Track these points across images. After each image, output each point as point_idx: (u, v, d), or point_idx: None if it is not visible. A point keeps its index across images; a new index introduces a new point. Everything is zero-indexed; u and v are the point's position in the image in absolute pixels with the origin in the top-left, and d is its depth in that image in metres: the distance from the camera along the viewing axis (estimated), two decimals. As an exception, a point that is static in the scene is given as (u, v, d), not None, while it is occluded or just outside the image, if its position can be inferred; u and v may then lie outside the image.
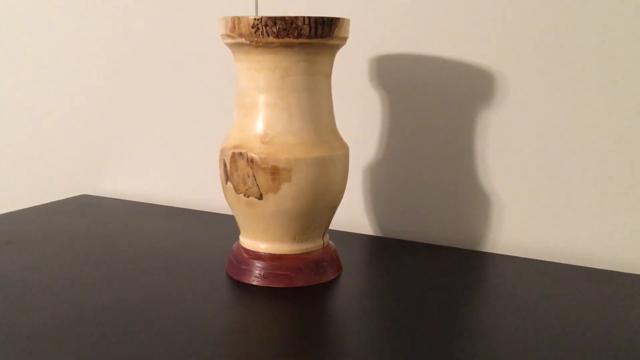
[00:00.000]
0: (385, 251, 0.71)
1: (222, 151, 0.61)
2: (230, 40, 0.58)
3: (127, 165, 0.95)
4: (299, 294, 0.59)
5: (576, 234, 0.70)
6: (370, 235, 0.78)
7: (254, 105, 0.59)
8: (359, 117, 0.78)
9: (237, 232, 0.77)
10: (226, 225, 0.81)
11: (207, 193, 0.90)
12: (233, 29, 0.57)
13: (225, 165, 0.60)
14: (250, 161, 0.58)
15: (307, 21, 0.56)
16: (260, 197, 0.59)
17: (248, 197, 0.59)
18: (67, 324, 0.52)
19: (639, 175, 0.66)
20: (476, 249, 0.74)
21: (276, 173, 0.58)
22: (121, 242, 0.74)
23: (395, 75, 0.75)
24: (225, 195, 0.62)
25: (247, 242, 0.63)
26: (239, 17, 0.56)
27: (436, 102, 0.74)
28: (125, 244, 0.73)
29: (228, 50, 0.84)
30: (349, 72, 0.77)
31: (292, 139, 0.58)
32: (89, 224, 0.81)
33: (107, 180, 0.98)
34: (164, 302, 0.57)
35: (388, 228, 0.79)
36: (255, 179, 0.58)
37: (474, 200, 0.74)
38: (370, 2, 0.75)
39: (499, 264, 0.68)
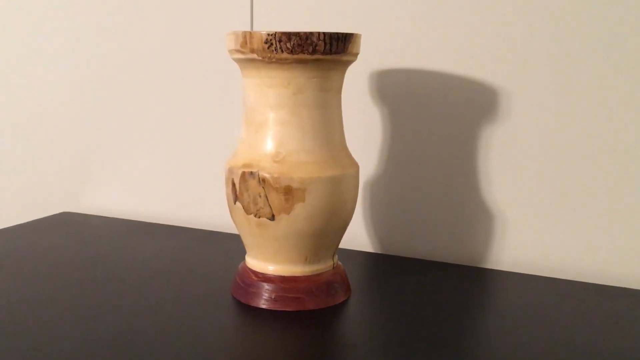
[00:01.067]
0: (388, 269, 0.70)
1: (230, 170, 0.58)
2: (240, 56, 0.56)
3: (111, 180, 0.92)
4: (310, 317, 0.57)
5: (580, 251, 0.70)
6: (371, 253, 0.76)
7: (264, 122, 0.57)
8: (360, 132, 0.76)
9: (236, 251, 0.75)
10: (223, 243, 0.78)
11: (199, 210, 0.87)
12: (244, 44, 0.55)
13: (233, 184, 0.58)
14: (262, 181, 0.56)
15: (322, 37, 0.54)
16: (272, 218, 0.57)
17: (259, 217, 0.57)
18: (64, 356, 0.49)
19: (644, 191, 0.67)
20: (479, 266, 0.74)
21: (289, 193, 0.56)
22: (114, 264, 0.70)
23: (397, 90, 0.74)
24: (232, 216, 0.60)
25: (255, 263, 0.61)
26: (250, 32, 0.54)
27: (439, 117, 0.73)
28: (119, 266, 0.70)
29: (222, 59, 0.82)
30: (351, 86, 0.75)
31: (306, 157, 0.56)
32: (75, 244, 0.77)
33: (89, 196, 0.94)
34: (168, 328, 0.54)
35: (389, 245, 0.78)
36: (267, 200, 0.56)
37: (477, 217, 0.73)
38: (371, 16, 0.74)
39: (504, 281, 0.67)
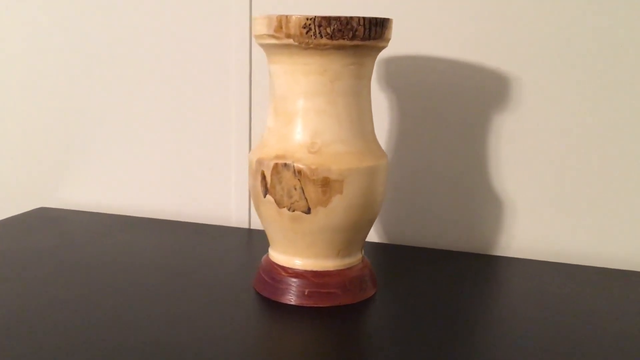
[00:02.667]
0: (401, 260, 0.69)
1: (260, 162, 0.56)
2: (273, 41, 0.53)
3: (90, 173, 0.87)
4: (342, 312, 0.56)
5: (589, 236, 0.71)
6: (380, 243, 0.75)
7: (297, 112, 0.55)
8: (367, 121, 0.75)
9: (241, 245, 0.72)
10: (223, 237, 0.75)
11: (187, 202, 0.83)
12: (279, 28, 0.52)
13: (263, 177, 0.55)
14: (298, 172, 0.53)
15: (361, 22, 0.52)
16: (308, 211, 0.54)
17: (293, 211, 0.55)
18: (115, 366, 0.46)
19: (654, 177, 0.68)
20: (489, 253, 0.74)
21: (327, 185, 0.53)
22: (113, 263, 0.66)
23: (406, 77, 0.73)
24: (260, 210, 0.57)
25: (284, 258, 0.58)
26: (286, 16, 0.52)
27: (447, 105, 0.72)
28: (118, 265, 0.65)
29: (208, 44, 0.78)
30: (358, 74, 0.73)
31: (343, 148, 0.54)
32: (62, 242, 0.72)
33: (67, 190, 0.88)
34: (195, 332, 0.51)
35: (397, 235, 0.77)
36: (304, 192, 0.54)
37: (486, 205, 0.73)
38: (380, 2, 0.72)
39: (515, 267, 0.68)
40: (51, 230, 0.76)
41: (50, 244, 0.71)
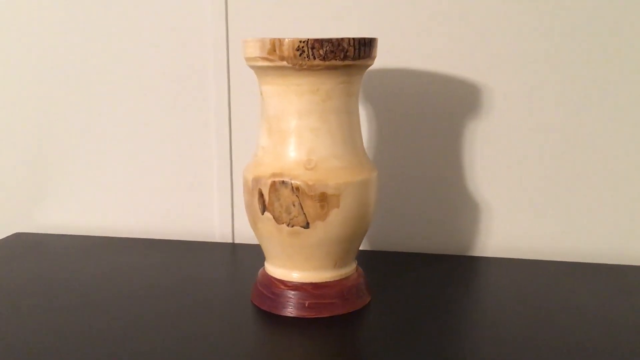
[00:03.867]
0: (382, 266, 0.71)
1: (256, 180, 0.57)
2: (266, 64, 0.55)
3: (68, 193, 0.86)
4: (341, 321, 0.58)
5: (560, 233, 0.75)
6: (364, 250, 0.78)
7: (291, 130, 0.56)
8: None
9: (228, 260, 0.73)
10: (210, 253, 0.76)
11: (170, 219, 0.84)
12: (272, 51, 0.54)
13: (261, 195, 0.57)
14: (296, 189, 0.55)
15: (351, 42, 0.54)
16: (307, 226, 0.56)
17: (292, 226, 0.56)
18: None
19: (621, 175, 0.73)
20: (466, 254, 0.77)
21: (325, 200, 0.56)
22: (103, 285, 0.66)
23: (381, 89, 0.76)
24: (257, 226, 0.59)
25: (282, 272, 0.60)
26: (280, 39, 0.54)
27: (422, 115, 0.76)
28: (109, 287, 0.66)
29: (186, 60, 0.79)
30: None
31: (338, 163, 0.57)
32: (45, 267, 0.72)
33: (44, 213, 0.87)
34: (197, 351, 0.52)
35: (374, 241, 0.79)
36: (302, 208, 0.56)
37: (462, 208, 0.77)
38: (354, 16, 0.75)
39: (495, 267, 0.71)
40: (31, 257, 0.75)
41: (32, 272, 0.71)
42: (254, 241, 0.80)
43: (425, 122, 0.76)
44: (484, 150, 0.75)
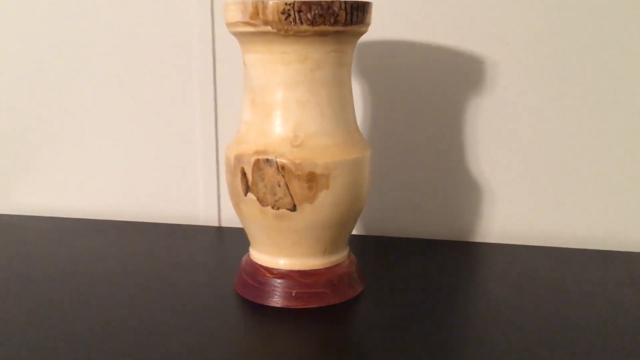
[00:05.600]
0: (381, 251, 0.67)
1: (238, 158, 0.52)
2: (248, 29, 0.50)
3: (45, 173, 0.81)
4: (331, 312, 0.53)
5: (566, 218, 0.70)
6: (358, 235, 0.73)
7: (276, 103, 0.51)
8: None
9: (213, 244, 0.69)
10: (194, 237, 0.71)
11: (153, 201, 0.79)
12: (255, 15, 0.49)
13: (244, 174, 0.52)
14: (282, 168, 0.50)
15: (343, 6, 0.49)
16: (294, 209, 0.51)
17: (278, 209, 0.51)
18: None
19: (624, 162, 0.68)
20: (469, 240, 0.73)
21: (313, 180, 0.51)
22: (80, 270, 0.62)
23: (378, 63, 0.70)
24: (240, 209, 0.54)
25: (267, 259, 0.55)
26: (263, 2, 0.48)
27: (422, 91, 0.70)
28: (87, 272, 0.61)
29: (167, 35, 0.74)
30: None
31: (327, 140, 0.52)
32: (20, 251, 0.67)
33: (20, 194, 0.82)
34: (176, 340, 0.48)
35: (373, 225, 0.74)
36: (288, 189, 0.51)
37: (464, 191, 0.72)
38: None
39: (498, 253, 0.66)
40: (5, 240, 0.71)
41: (5, 255, 0.66)
42: (241, 224, 0.76)
43: (423, 98, 0.70)
44: (487, 129, 0.70)
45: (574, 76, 0.67)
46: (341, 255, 0.56)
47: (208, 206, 0.77)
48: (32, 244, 0.69)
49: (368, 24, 0.52)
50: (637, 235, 0.69)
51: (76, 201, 0.81)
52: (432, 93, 0.70)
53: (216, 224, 0.78)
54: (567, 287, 0.58)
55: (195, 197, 0.78)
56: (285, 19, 0.48)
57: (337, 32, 0.50)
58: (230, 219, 0.77)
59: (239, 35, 0.52)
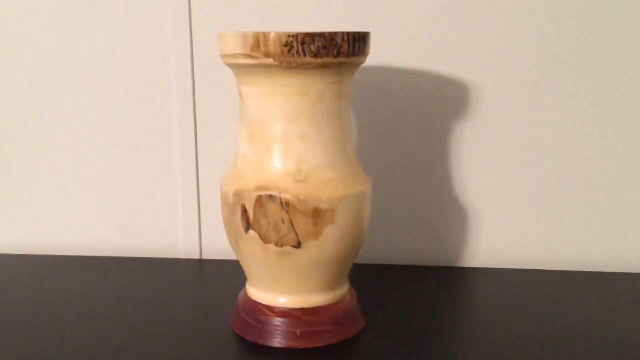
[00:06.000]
0: (372, 280, 0.66)
1: (238, 194, 0.50)
2: (248, 61, 0.48)
3: (11, 207, 0.76)
4: (334, 350, 0.51)
5: (550, 241, 0.71)
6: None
7: (277, 137, 0.50)
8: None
9: (197, 279, 0.66)
10: (175, 272, 0.68)
11: (128, 235, 0.76)
12: (256, 47, 0.47)
13: (244, 210, 0.50)
14: (286, 204, 0.49)
15: (345, 37, 0.48)
16: (298, 246, 0.50)
17: (281, 246, 0.50)
18: None
19: (613, 181, 0.69)
20: (454, 265, 0.72)
21: (318, 216, 0.49)
22: (55, 313, 0.58)
23: (361, 89, 0.69)
24: (239, 246, 0.52)
25: (267, 297, 0.53)
26: (264, 33, 0.47)
27: (407, 116, 0.70)
28: (63, 315, 0.57)
29: (145, 61, 0.71)
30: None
31: (331, 174, 0.50)
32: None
33: (-18, 231, 0.77)
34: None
35: (360, 254, 0.73)
36: (293, 225, 0.49)
37: (449, 216, 0.72)
38: (333, 11, 0.68)
39: (487, 278, 0.66)
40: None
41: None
42: (224, 256, 0.73)
43: (407, 123, 0.70)
44: (471, 154, 0.70)
45: (556, 101, 0.68)
46: (343, 290, 0.55)
47: (188, 238, 0.74)
48: (16, 282, 0.65)
49: (367, 54, 0.52)
50: (626, 256, 0.70)
51: (46, 237, 0.77)
52: (416, 119, 0.70)
53: (197, 257, 0.75)
54: (557, 309, 0.58)
55: (174, 230, 0.75)
56: (288, 51, 0.47)
57: (339, 64, 0.49)
58: (212, 250, 0.74)
59: (235, 67, 0.50)
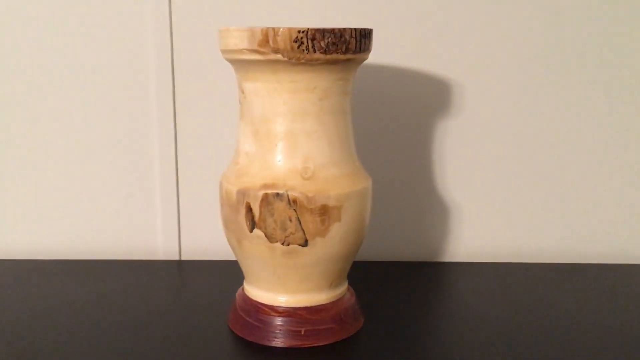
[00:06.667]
0: (359, 276, 0.66)
1: (242, 192, 0.49)
2: (255, 57, 0.47)
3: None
4: (337, 348, 0.51)
5: (529, 236, 0.73)
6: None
7: (283, 134, 0.49)
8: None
9: (180, 281, 0.65)
10: (156, 273, 0.66)
11: (105, 236, 0.73)
12: (264, 42, 0.46)
13: (249, 209, 0.49)
14: (293, 202, 0.48)
15: (353, 34, 0.48)
16: (305, 244, 0.49)
17: (288, 245, 0.49)
18: None
19: (593, 176, 0.72)
20: (437, 260, 0.73)
21: (326, 213, 0.49)
22: (36, 319, 0.55)
23: (347, 87, 0.69)
24: (242, 246, 0.51)
25: (269, 296, 0.52)
26: (273, 29, 0.46)
27: (390, 115, 0.70)
28: (45, 321, 0.55)
29: (123, 58, 0.69)
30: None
31: (336, 171, 0.50)
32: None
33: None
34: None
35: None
36: (300, 223, 0.48)
37: (432, 211, 0.73)
38: (321, 9, 0.68)
39: (470, 272, 0.68)
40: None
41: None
42: (205, 257, 0.72)
43: (391, 120, 0.70)
44: (453, 151, 0.71)
45: (536, 99, 0.70)
46: (344, 288, 0.55)
47: (168, 239, 0.72)
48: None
49: (370, 51, 0.52)
50: (605, 248, 0.73)
51: (20, 241, 0.73)
52: (397, 117, 0.70)
53: (176, 257, 0.73)
54: (539, 301, 0.60)
55: (153, 230, 0.72)
56: (298, 47, 0.46)
57: (346, 60, 0.48)
58: (191, 251, 0.73)
59: (239, 62, 0.49)
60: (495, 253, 0.73)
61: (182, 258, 0.73)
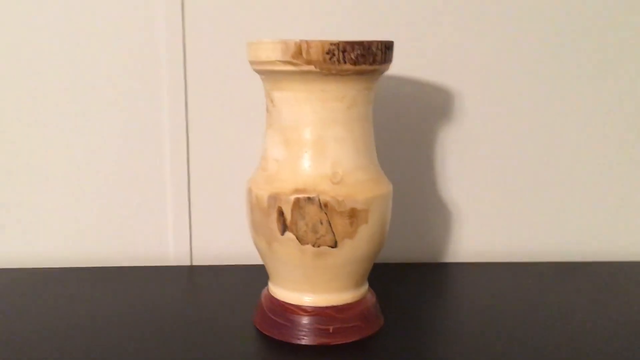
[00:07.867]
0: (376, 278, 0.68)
1: (274, 197, 0.51)
2: (288, 68, 0.49)
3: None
4: (361, 345, 0.54)
5: (528, 236, 0.77)
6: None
7: (313, 141, 0.51)
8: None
9: (194, 286, 0.66)
10: (170, 279, 0.68)
11: (116, 244, 0.74)
12: (298, 54, 0.49)
13: (281, 213, 0.51)
14: (324, 206, 0.51)
15: (380, 46, 0.51)
16: (335, 245, 0.52)
17: (318, 247, 0.51)
18: None
19: (590, 177, 0.76)
20: (438, 261, 0.76)
21: (354, 216, 0.51)
22: (53, 327, 0.56)
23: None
24: (272, 249, 0.53)
25: (298, 296, 0.55)
26: (307, 41, 0.48)
27: (391, 118, 0.73)
28: (62, 329, 0.56)
29: (135, 66, 0.70)
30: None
31: (363, 176, 0.53)
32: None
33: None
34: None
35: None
36: (331, 225, 0.51)
37: (433, 213, 0.76)
38: (321, 18, 0.71)
39: (471, 272, 0.71)
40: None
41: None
42: (216, 262, 0.74)
43: (394, 127, 0.73)
44: (454, 155, 0.74)
45: (538, 102, 0.74)
46: (366, 287, 0.57)
47: (179, 245, 0.74)
48: (13, 301, 0.62)
49: (391, 62, 0.54)
50: (603, 246, 0.77)
51: (31, 249, 0.73)
52: (402, 122, 0.73)
53: (188, 263, 0.75)
54: (545, 299, 0.63)
55: (164, 236, 0.74)
56: (330, 59, 0.49)
57: (372, 71, 0.51)
58: (202, 257, 0.74)
59: (270, 73, 0.51)
60: (495, 253, 0.77)
61: (194, 264, 0.75)
